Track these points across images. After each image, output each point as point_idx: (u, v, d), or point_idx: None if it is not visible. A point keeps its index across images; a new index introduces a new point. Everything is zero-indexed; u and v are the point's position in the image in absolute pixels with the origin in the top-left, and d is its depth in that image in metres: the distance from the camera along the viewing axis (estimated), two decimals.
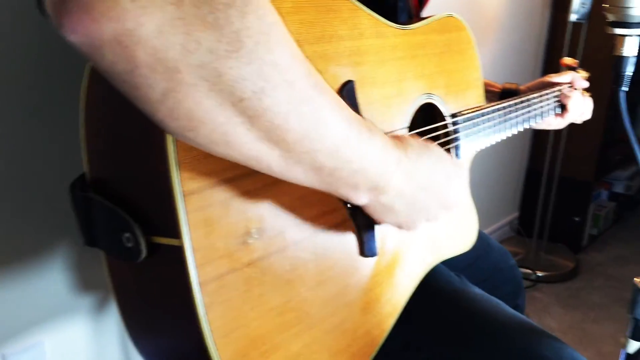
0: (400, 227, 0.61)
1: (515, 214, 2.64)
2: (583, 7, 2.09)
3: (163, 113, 0.39)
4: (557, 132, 2.30)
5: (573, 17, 2.10)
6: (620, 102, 0.68)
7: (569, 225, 2.50)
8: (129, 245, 0.52)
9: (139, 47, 0.36)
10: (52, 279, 0.90)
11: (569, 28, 2.16)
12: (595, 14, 2.10)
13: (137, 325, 0.60)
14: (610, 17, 0.65)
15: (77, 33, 0.35)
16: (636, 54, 0.67)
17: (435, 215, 0.63)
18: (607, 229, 2.74)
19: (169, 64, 0.37)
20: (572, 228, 2.51)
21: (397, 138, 0.58)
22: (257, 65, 0.39)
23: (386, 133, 0.55)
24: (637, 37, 0.65)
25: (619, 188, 2.78)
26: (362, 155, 0.50)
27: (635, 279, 0.72)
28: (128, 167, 0.53)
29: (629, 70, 0.67)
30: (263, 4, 0.40)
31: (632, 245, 2.61)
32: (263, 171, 0.47)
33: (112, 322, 1.01)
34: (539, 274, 2.29)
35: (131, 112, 0.50)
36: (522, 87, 1.04)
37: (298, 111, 0.43)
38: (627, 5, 0.62)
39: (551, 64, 2.42)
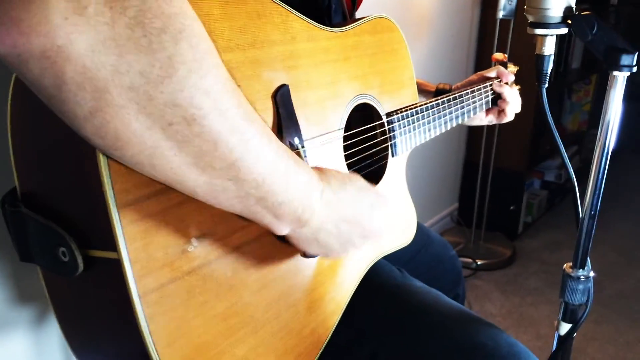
0: (325, 256, 0.62)
1: (455, 205, 2.72)
2: (509, 4, 2.18)
3: (89, 130, 0.39)
4: (491, 125, 2.39)
5: (500, 14, 2.18)
6: (542, 98, 0.72)
7: (505, 214, 2.60)
8: (65, 259, 0.51)
9: (68, 64, 0.35)
10: None
11: (498, 25, 2.24)
12: (521, 11, 2.18)
13: (78, 339, 0.59)
14: (530, 18, 0.69)
15: (4, 45, 0.35)
16: (554, 52, 0.71)
17: (360, 245, 0.63)
18: (540, 216, 2.86)
19: (98, 83, 0.37)
20: (508, 217, 2.61)
21: (320, 171, 0.59)
22: (188, 92, 0.39)
23: (318, 136, 0.57)
24: (555, 37, 0.69)
25: (550, 177, 2.91)
26: (288, 187, 0.51)
27: (565, 265, 0.76)
28: (60, 181, 0.52)
29: (549, 67, 0.71)
30: (197, 31, 0.40)
31: (564, 231, 2.74)
32: (189, 194, 0.47)
33: (53, 334, 0.98)
34: (479, 262, 2.37)
35: (60, 125, 0.49)
36: (454, 87, 1.07)
37: (227, 140, 0.43)
38: (545, 7, 0.66)
39: (482, 60, 2.50)
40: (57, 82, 0.36)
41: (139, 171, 0.44)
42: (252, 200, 0.49)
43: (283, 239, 0.59)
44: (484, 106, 1.04)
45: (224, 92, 0.42)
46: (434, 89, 1.07)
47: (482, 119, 1.07)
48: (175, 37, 0.38)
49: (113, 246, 0.47)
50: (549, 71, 0.71)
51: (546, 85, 0.72)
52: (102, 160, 0.46)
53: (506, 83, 1.07)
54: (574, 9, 0.66)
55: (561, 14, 0.66)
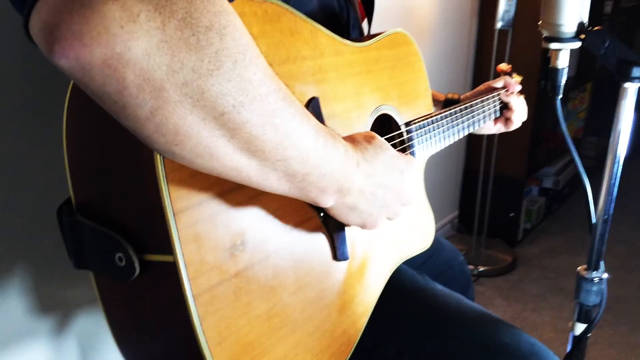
0: (364, 226, 0.65)
1: (456, 213, 2.76)
2: (507, 15, 2.23)
3: (151, 129, 0.42)
4: (491, 134, 2.44)
5: (499, 24, 2.23)
6: (557, 109, 0.76)
7: (505, 221, 2.64)
8: (122, 264, 0.54)
9: (127, 69, 0.38)
10: (9, 304, 0.89)
11: (496, 35, 2.29)
12: (518, 22, 2.24)
13: (130, 342, 0.62)
14: (545, 33, 0.73)
15: (69, 58, 0.38)
16: (567, 65, 0.75)
17: (396, 211, 0.67)
18: (539, 222, 2.90)
19: (155, 83, 0.40)
20: (508, 223, 2.65)
21: (353, 141, 0.63)
22: (235, 82, 0.43)
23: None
24: (568, 51, 0.73)
25: (548, 183, 2.96)
26: (328, 160, 0.54)
27: (579, 267, 0.79)
28: (116, 189, 0.55)
29: (563, 80, 0.75)
30: (239, 26, 0.43)
31: (563, 237, 2.79)
32: (243, 182, 0.51)
33: (73, 343, 1.00)
34: (481, 268, 2.41)
35: (117, 135, 0.52)
36: (463, 96, 1.11)
37: (272, 122, 0.47)
38: (559, 23, 0.70)
39: (481, 70, 2.55)
40: (119, 87, 0.39)
41: (199, 166, 0.47)
42: (299, 176, 0.52)
43: (320, 227, 0.63)
44: (492, 115, 1.08)
45: (265, 78, 0.45)
46: (443, 99, 1.11)
47: (491, 127, 1.11)
48: (221, 32, 0.41)
49: (169, 250, 0.50)
50: (563, 83, 0.75)
51: (560, 96, 0.76)
52: (160, 169, 0.49)
53: (512, 92, 1.11)
54: (586, 24, 0.70)
55: (575, 29, 0.70)
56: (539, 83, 2.47)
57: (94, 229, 0.55)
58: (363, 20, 0.98)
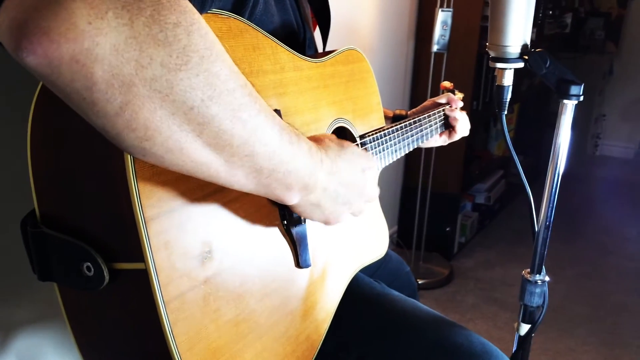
0: (327, 222, 0.67)
1: (395, 228, 2.83)
2: (443, 39, 2.34)
3: (121, 126, 0.43)
4: (428, 151, 2.53)
5: (435, 47, 2.34)
6: (502, 124, 0.81)
7: (442, 236, 2.74)
8: (90, 274, 0.53)
9: (96, 64, 0.39)
10: None
11: (432, 57, 2.39)
12: (453, 45, 2.35)
13: (96, 353, 0.61)
14: (492, 54, 0.78)
15: (37, 54, 0.38)
16: (511, 84, 0.81)
17: (359, 208, 0.69)
18: (473, 236, 3.03)
19: (125, 78, 0.40)
20: (444, 238, 2.75)
21: (316, 140, 0.65)
22: (203, 76, 0.44)
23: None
24: (513, 70, 0.79)
25: (480, 199, 3.09)
26: (294, 156, 0.56)
27: (523, 271, 0.85)
28: (84, 199, 0.55)
29: (508, 97, 0.81)
30: (204, 25, 0.45)
31: (494, 249, 2.92)
32: (211, 178, 0.51)
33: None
34: (420, 281, 2.48)
35: (86, 144, 0.52)
36: (410, 112, 1.17)
37: (239, 117, 0.48)
38: (505, 44, 0.75)
39: (418, 88, 2.65)
40: (87, 83, 0.40)
41: (169, 163, 0.47)
42: (266, 172, 0.53)
43: (284, 235, 0.64)
44: (438, 129, 1.13)
45: (232, 74, 0.47)
46: (392, 115, 1.16)
47: (437, 140, 1.17)
48: (188, 29, 0.43)
49: (140, 257, 0.51)
50: (508, 100, 0.80)
51: (505, 112, 0.81)
52: (131, 177, 0.50)
53: (456, 108, 1.17)
54: (529, 46, 0.76)
55: (519, 50, 0.76)
56: (471, 104, 2.60)
57: (60, 239, 0.55)
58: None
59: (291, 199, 0.60)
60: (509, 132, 3.03)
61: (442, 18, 2.29)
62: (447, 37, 2.34)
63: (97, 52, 0.39)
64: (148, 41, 0.40)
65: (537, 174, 3.01)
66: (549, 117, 4.08)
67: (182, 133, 0.45)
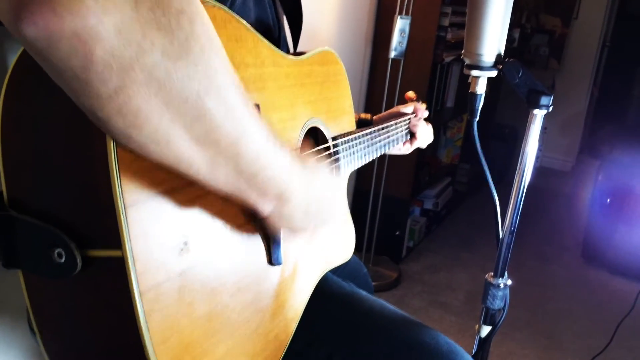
0: (294, 232, 0.68)
1: None
2: (400, 46, 2.38)
3: (111, 110, 0.41)
4: (382, 156, 2.56)
5: (392, 54, 2.37)
6: (473, 130, 0.84)
7: (391, 239, 2.78)
8: (61, 261, 0.51)
9: (97, 44, 0.38)
10: None
11: (389, 64, 2.43)
12: (410, 52, 2.40)
13: (60, 342, 0.58)
14: (467, 61, 0.80)
15: (37, 26, 0.36)
16: (484, 92, 0.83)
17: (323, 223, 0.70)
18: (420, 241, 3.09)
19: (124, 61, 0.39)
20: (394, 241, 2.79)
21: (296, 153, 0.65)
22: (202, 67, 0.43)
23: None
24: (486, 78, 0.81)
25: (428, 205, 3.16)
26: (275, 164, 0.55)
27: (487, 275, 0.87)
28: (59, 183, 0.52)
29: (480, 104, 0.83)
30: (206, 15, 0.44)
31: (440, 254, 2.98)
32: (190, 175, 0.50)
33: None
34: None
35: (64, 126, 0.50)
36: (375, 117, 1.18)
37: (232, 115, 0.47)
38: (480, 53, 0.78)
39: (374, 94, 2.69)
40: (84, 62, 0.38)
41: (152, 152, 0.45)
42: (246, 175, 0.52)
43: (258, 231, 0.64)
44: (404, 137, 1.15)
45: (227, 71, 0.46)
46: (357, 118, 1.17)
47: (401, 147, 1.19)
48: (191, 17, 0.42)
49: (117, 244, 0.49)
50: (480, 107, 0.83)
51: (477, 119, 0.84)
52: (113, 161, 0.48)
53: (421, 117, 1.20)
54: (502, 55, 0.79)
55: (493, 60, 0.78)
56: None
57: (31, 224, 0.52)
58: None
59: (264, 208, 0.59)
60: (457, 140, 3.10)
61: (401, 25, 2.33)
62: (404, 45, 2.37)
63: (100, 30, 0.37)
64: (151, 25, 0.39)
65: (481, 183, 3.09)
66: (495, 128, 4.23)
67: (172, 125, 0.44)
